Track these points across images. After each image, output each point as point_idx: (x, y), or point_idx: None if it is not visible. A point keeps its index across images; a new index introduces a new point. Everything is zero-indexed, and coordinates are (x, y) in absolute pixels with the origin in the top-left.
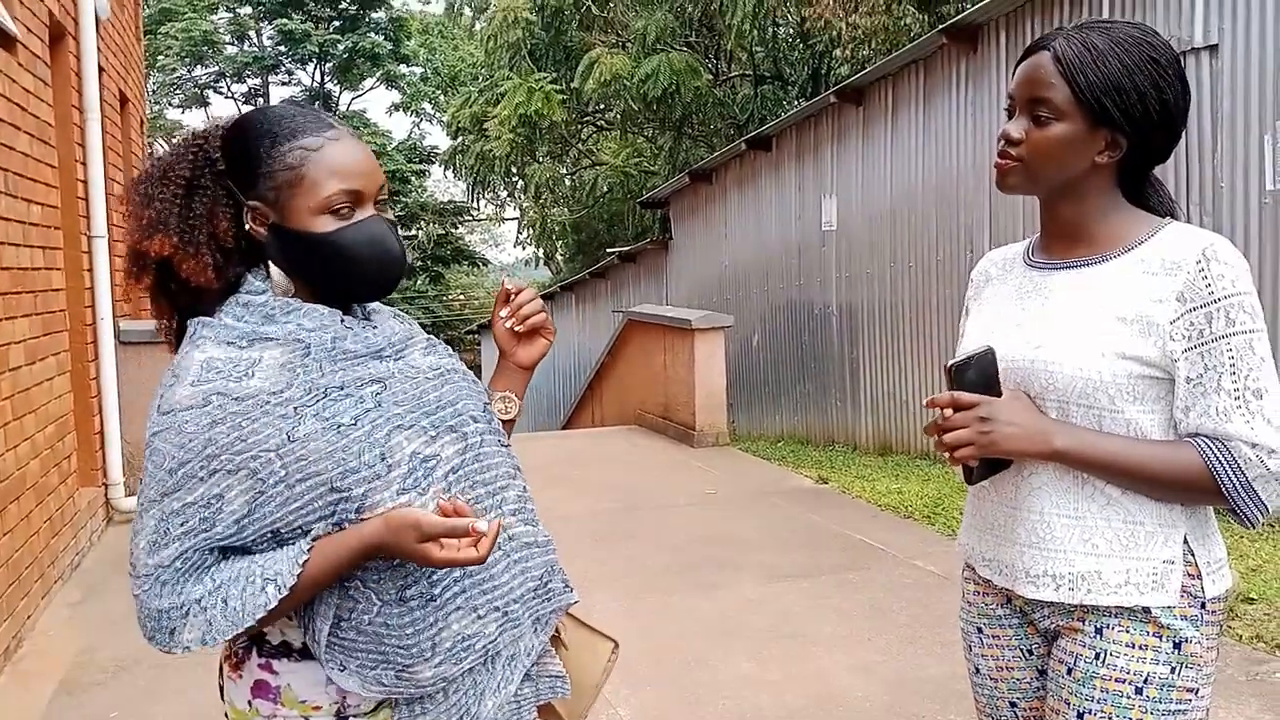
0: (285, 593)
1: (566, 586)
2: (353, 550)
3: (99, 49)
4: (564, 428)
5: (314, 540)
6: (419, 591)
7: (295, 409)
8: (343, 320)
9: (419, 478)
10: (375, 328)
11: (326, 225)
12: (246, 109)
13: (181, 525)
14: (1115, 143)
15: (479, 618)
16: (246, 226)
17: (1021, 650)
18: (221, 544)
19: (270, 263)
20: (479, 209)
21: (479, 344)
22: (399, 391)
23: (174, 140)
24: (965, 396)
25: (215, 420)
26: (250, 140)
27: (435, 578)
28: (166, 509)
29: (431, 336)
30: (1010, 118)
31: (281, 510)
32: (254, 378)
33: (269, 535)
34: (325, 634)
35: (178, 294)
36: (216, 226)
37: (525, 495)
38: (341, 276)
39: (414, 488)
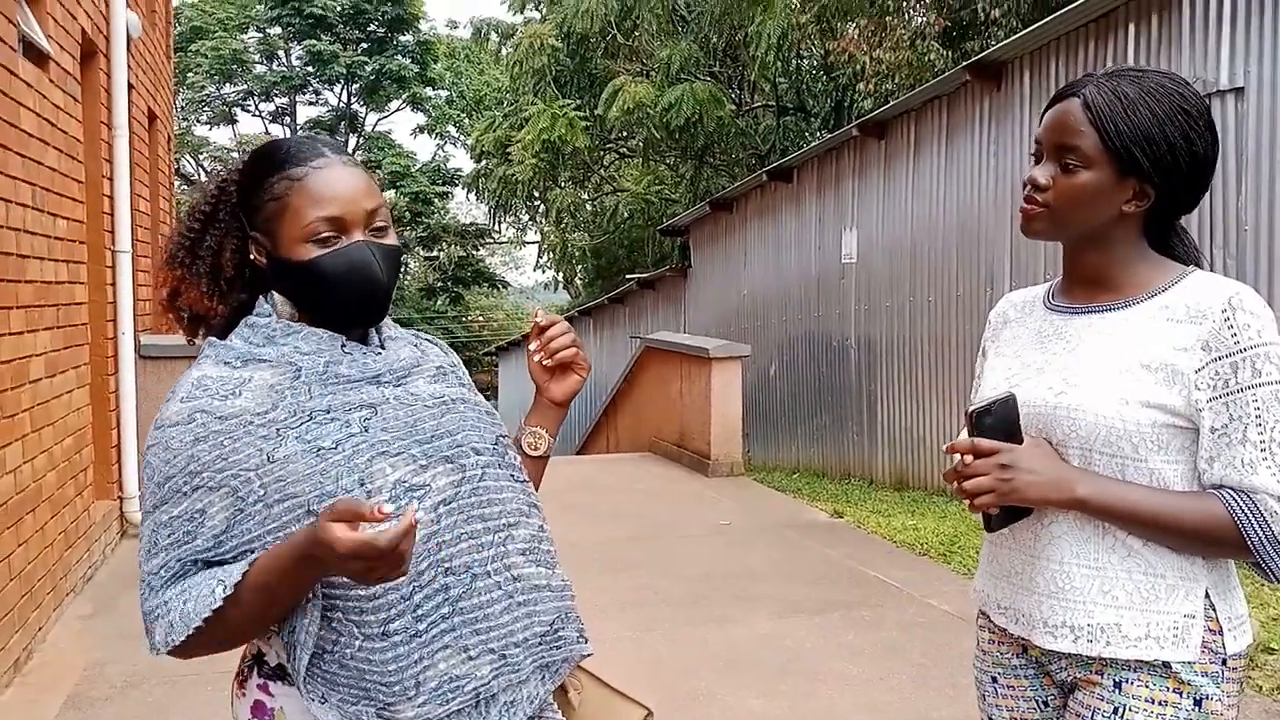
0: (230, 590)
1: (581, 636)
2: (293, 547)
3: (129, 66)
4: (578, 453)
5: None
6: (403, 626)
7: (278, 430)
8: (343, 345)
9: (403, 506)
10: (380, 353)
11: (309, 253)
12: (273, 128)
13: (168, 536)
14: (1143, 192)
15: (470, 658)
16: (251, 257)
17: (1037, 701)
18: (203, 557)
19: (274, 291)
20: (500, 232)
21: (496, 365)
22: (391, 418)
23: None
24: (986, 443)
25: (198, 438)
26: (250, 174)
27: (420, 612)
28: (157, 520)
29: (447, 365)
30: (1037, 162)
31: (260, 529)
32: (240, 397)
33: (248, 553)
34: (305, 663)
35: (190, 319)
36: (220, 258)
37: (540, 535)
38: (325, 302)
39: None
